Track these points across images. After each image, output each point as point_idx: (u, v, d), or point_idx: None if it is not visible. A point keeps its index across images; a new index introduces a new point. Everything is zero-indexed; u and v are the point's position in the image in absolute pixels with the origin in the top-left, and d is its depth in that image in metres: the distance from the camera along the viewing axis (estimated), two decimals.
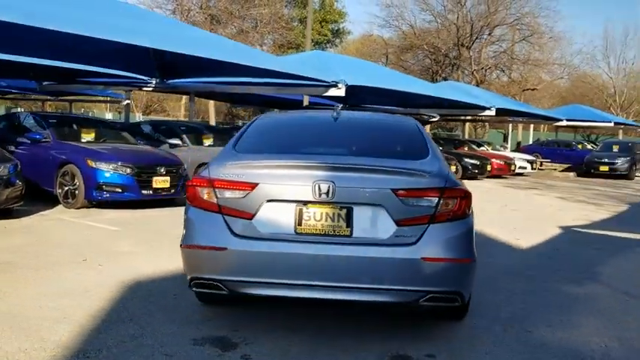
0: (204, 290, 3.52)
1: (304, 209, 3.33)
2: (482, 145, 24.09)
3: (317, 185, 3.30)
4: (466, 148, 21.84)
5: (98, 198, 8.75)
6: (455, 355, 3.50)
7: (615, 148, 25.37)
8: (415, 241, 3.26)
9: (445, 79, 30.84)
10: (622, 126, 33.63)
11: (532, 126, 33.91)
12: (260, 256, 3.30)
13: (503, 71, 32.79)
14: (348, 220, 3.30)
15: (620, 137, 36.41)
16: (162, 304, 4.26)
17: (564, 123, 26.46)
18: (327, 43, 37.28)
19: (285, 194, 3.36)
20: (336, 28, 38.18)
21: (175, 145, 11.39)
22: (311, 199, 3.32)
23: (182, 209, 3.74)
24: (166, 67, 13.14)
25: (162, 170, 9.23)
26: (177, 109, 40.61)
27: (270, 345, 3.51)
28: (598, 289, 5.37)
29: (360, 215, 3.30)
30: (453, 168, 15.14)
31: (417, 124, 4.40)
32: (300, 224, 3.32)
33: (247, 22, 26.11)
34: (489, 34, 31.67)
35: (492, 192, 15.11)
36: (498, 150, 24.82)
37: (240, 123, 32.92)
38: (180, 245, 3.55)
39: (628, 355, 3.67)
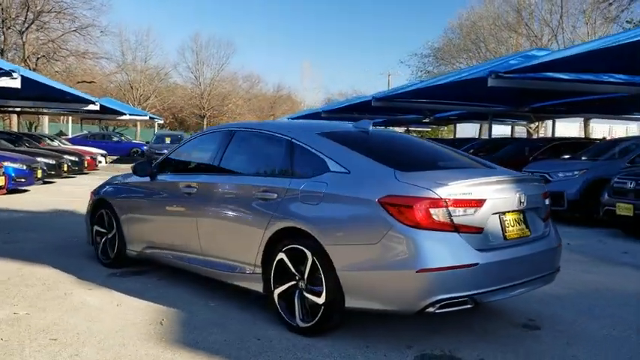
0: (450, 309, 3.47)
1: (503, 218, 3.76)
2: (53, 140, 22.57)
3: (519, 196, 3.84)
4: (44, 144, 20.12)
5: None
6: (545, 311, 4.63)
7: (168, 140, 28.01)
8: (548, 233, 4.15)
9: None
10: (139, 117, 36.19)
11: (69, 118, 33.08)
12: (499, 265, 3.57)
13: (54, 61, 30.58)
14: (526, 223, 3.95)
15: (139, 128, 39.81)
16: (281, 348, 3.68)
17: (127, 117, 27.24)
18: None
19: (501, 206, 3.72)
20: None
21: None
22: (515, 208, 3.81)
23: None
24: None
25: None
26: None
27: (480, 348, 3.79)
28: None
29: (528, 217, 3.97)
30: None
31: None
32: (505, 231, 3.75)
33: None
34: (34, 20, 28.87)
35: None
36: (65, 144, 23.63)
37: None
38: (416, 270, 3.37)
39: None
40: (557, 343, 3.85)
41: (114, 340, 3.80)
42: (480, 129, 35.03)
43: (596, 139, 18.05)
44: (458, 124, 43.73)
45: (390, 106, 20.33)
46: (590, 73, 13.01)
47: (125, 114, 26.45)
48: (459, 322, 4.15)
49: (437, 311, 3.45)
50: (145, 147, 28.50)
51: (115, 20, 62.64)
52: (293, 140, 4.30)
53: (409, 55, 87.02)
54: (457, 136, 47.92)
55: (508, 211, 3.80)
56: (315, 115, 32.21)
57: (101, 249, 5.98)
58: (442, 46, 40.70)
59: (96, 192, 6.22)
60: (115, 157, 28.58)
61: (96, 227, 6.07)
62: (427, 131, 48.12)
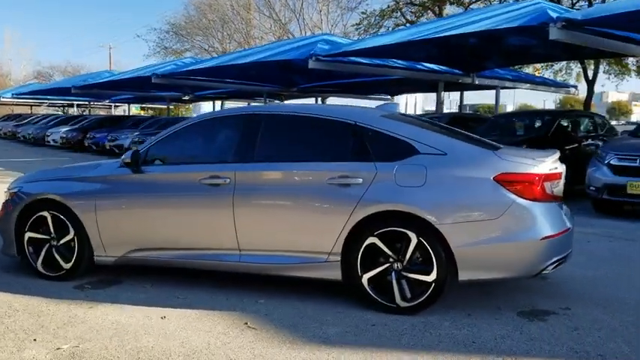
0: (556, 268, 4.01)
1: None
2: None
3: (564, 168, 4.37)
4: None
5: None
6: None
7: None
8: None
9: None
10: None
11: None
12: (570, 230, 4.15)
13: None
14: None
15: None
16: (407, 329, 3.76)
17: None
18: None
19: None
20: None
21: None
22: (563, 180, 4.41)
23: None
24: None
25: None
26: None
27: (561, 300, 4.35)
28: None
29: None
30: None
31: None
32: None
33: None
34: None
35: None
36: None
37: None
38: (540, 238, 3.81)
39: None
40: (595, 288, 4.72)
41: (240, 353, 3.39)
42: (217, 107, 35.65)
43: None
44: (201, 103, 44.06)
45: (171, 84, 19.61)
46: (382, 59, 14.81)
47: None
48: (505, 286, 4.62)
49: (550, 271, 4.00)
50: None
51: None
52: (358, 124, 4.26)
53: (147, 29, 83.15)
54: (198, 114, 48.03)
55: None
56: (61, 91, 28.84)
57: (42, 260, 4.88)
58: (182, 22, 40.05)
59: (23, 191, 4.99)
60: None
61: (30, 234, 4.90)
62: (164, 108, 47.10)
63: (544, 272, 3.96)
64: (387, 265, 4.04)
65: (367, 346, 3.50)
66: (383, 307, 4.05)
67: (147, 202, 4.63)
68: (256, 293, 4.48)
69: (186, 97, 28.09)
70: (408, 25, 28.35)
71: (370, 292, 4.08)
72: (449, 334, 3.70)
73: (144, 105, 49.13)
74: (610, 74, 26.32)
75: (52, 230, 4.85)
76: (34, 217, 4.89)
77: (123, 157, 4.66)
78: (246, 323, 3.87)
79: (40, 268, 4.89)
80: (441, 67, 16.17)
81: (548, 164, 4.06)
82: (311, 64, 12.98)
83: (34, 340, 3.58)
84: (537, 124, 11.39)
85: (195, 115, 5.18)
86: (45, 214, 4.85)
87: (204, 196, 4.44)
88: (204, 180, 4.42)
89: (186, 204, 4.52)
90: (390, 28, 28.75)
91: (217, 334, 3.70)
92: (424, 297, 3.97)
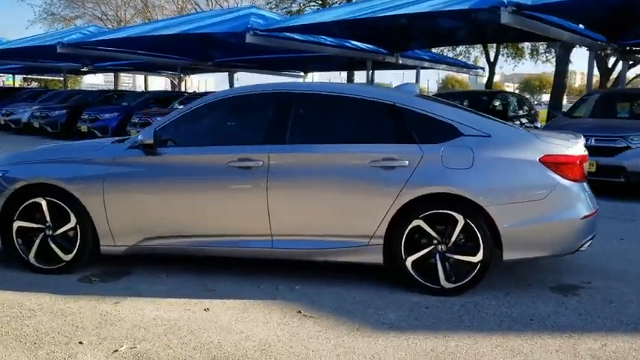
0: (588, 246, 4.17)
1: None
2: None
3: None
4: None
5: None
6: None
7: None
8: None
9: None
10: None
11: None
12: (598, 210, 4.28)
13: None
14: None
15: None
16: (458, 311, 3.80)
17: None
18: None
19: None
20: None
21: None
22: None
23: None
24: None
25: None
26: None
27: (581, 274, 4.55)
28: None
29: None
30: None
31: None
32: None
33: None
34: None
35: None
36: None
37: None
38: (581, 217, 3.99)
39: None
40: (598, 262, 4.96)
41: (318, 345, 3.25)
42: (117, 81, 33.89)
43: None
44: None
45: (78, 54, 18.18)
46: (313, 35, 14.69)
47: None
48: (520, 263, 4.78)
49: (585, 249, 4.18)
50: None
51: None
52: (397, 104, 4.18)
53: None
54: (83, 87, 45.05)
55: None
56: None
57: (36, 251, 4.37)
58: None
59: (9, 175, 4.41)
60: None
61: (20, 223, 4.36)
62: (50, 80, 43.80)
63: (580, 250, 4.16)
64: (432, 247, 4.04)
65: (437, 330, 3.49)
66: (426, 289, 4.05)
67: (165, 187, 4.27)
68: (286, 279, 4.31)
69: (85, 69, 26.22)
70: (319, 2, 28.24)
71: (414, 274, 4.06)
72: (503, 312, 3.79)
73: (27, 76, 45.44)
74: (508, 57, 28.11)
75: (47, 219, 4.34)
76: (24, 204, 4.34)
77: (140, 137, 4.25)
78: (300, 312, 3.71)
79: (32, 260, 4.37)
80: (369, 45, 16.36)
81: (582, 147, 4.23)
82: (248, 39, 12.60)
83: (80, 343, 3.20)
84: (472, 103, 11.89)
85: (212, 93, 4.83)
86: (39, 200, 4.32)
87: (232, 179, 4.17)
88: (233, 163, 4.15)
89: (211, 188, 4.22)
90: (302, 4, 28.55)
91: (277, 324, 3.52)
92: (469, 277, 4.02)
